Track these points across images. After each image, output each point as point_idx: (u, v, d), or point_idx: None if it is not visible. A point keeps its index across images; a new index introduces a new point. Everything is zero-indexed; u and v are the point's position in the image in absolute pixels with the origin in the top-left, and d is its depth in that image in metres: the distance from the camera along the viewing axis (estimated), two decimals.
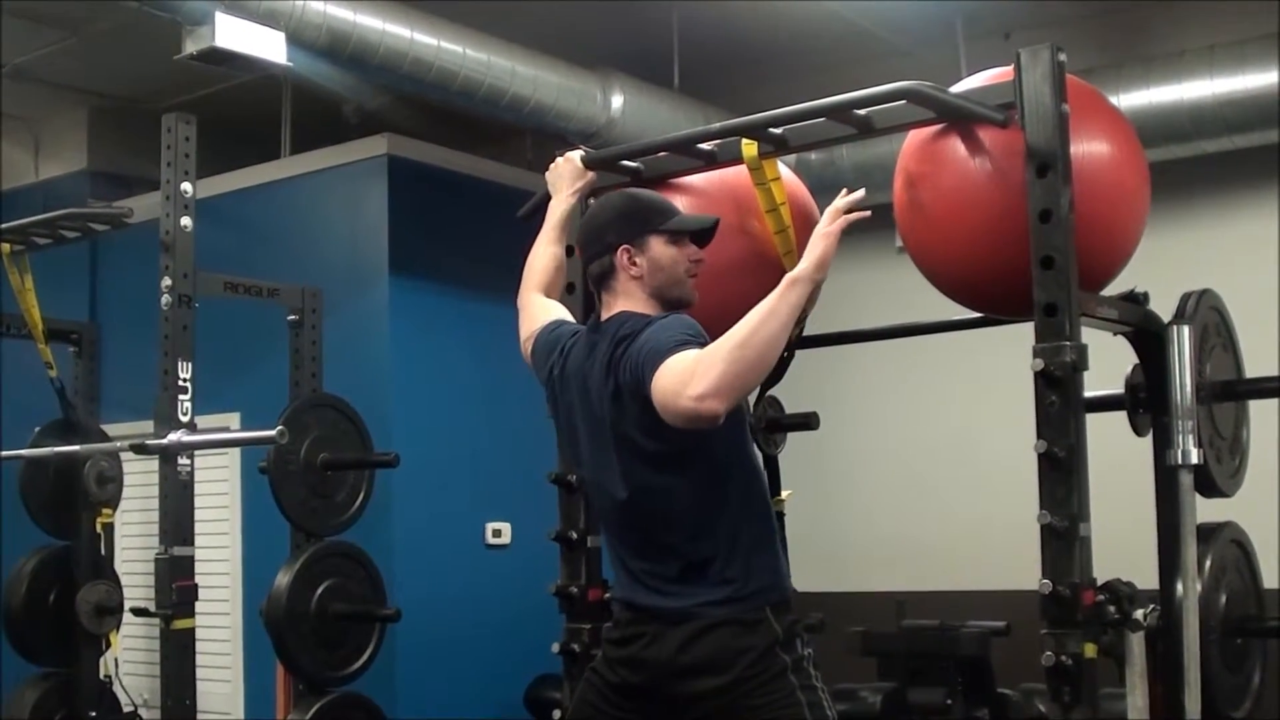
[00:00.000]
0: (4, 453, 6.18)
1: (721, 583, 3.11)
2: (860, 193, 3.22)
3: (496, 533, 7.26)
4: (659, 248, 3.25)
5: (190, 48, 5.32)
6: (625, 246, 3.23)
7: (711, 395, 2.79)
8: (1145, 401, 3.98)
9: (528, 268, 3.74)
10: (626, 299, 3.24)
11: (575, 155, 3.93)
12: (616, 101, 6.74)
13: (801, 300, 2.98)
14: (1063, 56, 3.46)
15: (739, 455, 3.21)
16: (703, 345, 2.95)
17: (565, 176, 3.89)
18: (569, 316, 3.57)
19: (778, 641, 3.10)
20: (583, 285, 3.66)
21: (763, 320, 2.89)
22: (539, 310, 3.59)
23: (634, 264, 3.23)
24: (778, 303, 2.94)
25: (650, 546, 3.20)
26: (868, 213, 3.20)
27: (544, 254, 3.75)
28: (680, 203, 3.91)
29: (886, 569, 7.42)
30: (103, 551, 6.30)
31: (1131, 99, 6.31)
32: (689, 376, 2.82)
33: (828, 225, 3.12)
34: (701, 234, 3.32)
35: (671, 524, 3.16)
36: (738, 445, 3.21)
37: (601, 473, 3.25)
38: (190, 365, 5.20)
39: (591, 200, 4.13)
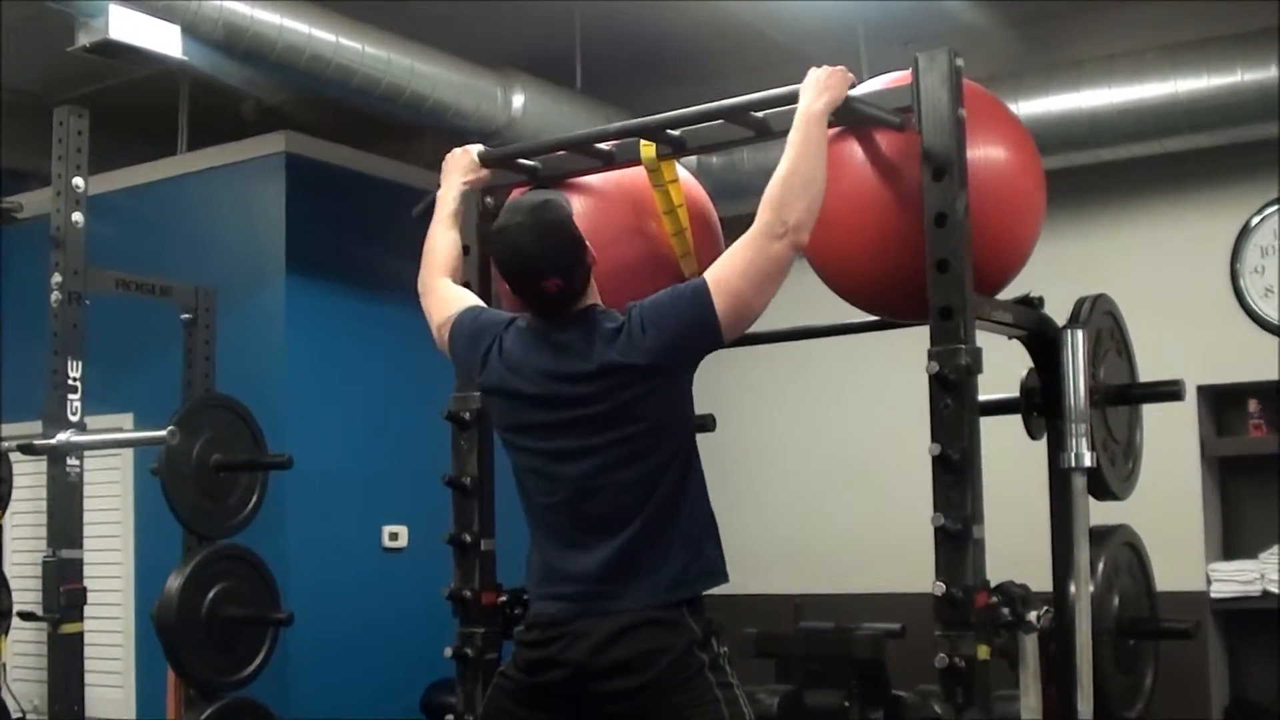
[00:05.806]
0: None
1: (654, 583, 3.15)
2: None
3: (394, 536, 7.19)
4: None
5: (84, 40, 5.21)
6: (590, 250, 3.28)
7: (804, 227, 3.18)
8: (1040, 405, 4.00)
9: (428, 252, 3.71)
10: (589, 296, 3.30)
11: (473, 149, 3.92)
12: (517, 101, 6.69)
13: (824, 136, 3.26)
14: (960, 61, 3.48)
15: (697, 457, 3.31)
16: None
17: (458, 167, 3.87)
18: (481, 303, 3.57)
19: (695, 641, 3.13)
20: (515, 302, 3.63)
21: (810, 156, 3.24)
22: (451, 294, 3.57)
23: (594, 261, 3.30)
24: (813, 139, 3.26)
25: (579, 546, 3.21)
26: None
27: (445, 238, 3.72)
28: (577, 203, 3.89)
29: (784, 571, 7.42)
30: None
31: (1031, 107, 6.36)
32: (763, 237, 3.19)
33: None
34: None
35: (618, 521, 3.17)
36: (695, 446, 3.31)
37: (554, 464, 3.23)
38: (80, 364, 5.11)
39: (489, 199, 4.10)
